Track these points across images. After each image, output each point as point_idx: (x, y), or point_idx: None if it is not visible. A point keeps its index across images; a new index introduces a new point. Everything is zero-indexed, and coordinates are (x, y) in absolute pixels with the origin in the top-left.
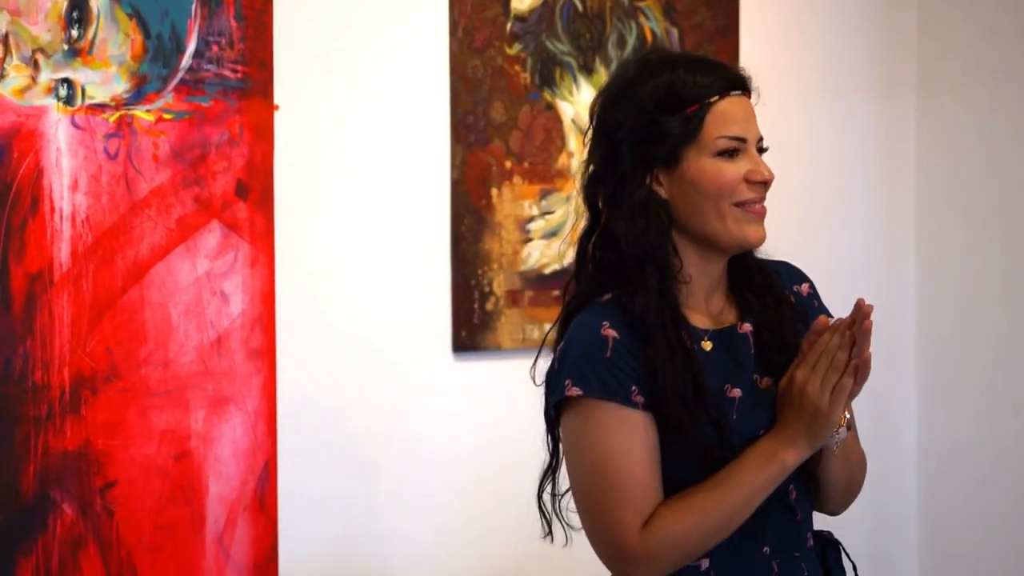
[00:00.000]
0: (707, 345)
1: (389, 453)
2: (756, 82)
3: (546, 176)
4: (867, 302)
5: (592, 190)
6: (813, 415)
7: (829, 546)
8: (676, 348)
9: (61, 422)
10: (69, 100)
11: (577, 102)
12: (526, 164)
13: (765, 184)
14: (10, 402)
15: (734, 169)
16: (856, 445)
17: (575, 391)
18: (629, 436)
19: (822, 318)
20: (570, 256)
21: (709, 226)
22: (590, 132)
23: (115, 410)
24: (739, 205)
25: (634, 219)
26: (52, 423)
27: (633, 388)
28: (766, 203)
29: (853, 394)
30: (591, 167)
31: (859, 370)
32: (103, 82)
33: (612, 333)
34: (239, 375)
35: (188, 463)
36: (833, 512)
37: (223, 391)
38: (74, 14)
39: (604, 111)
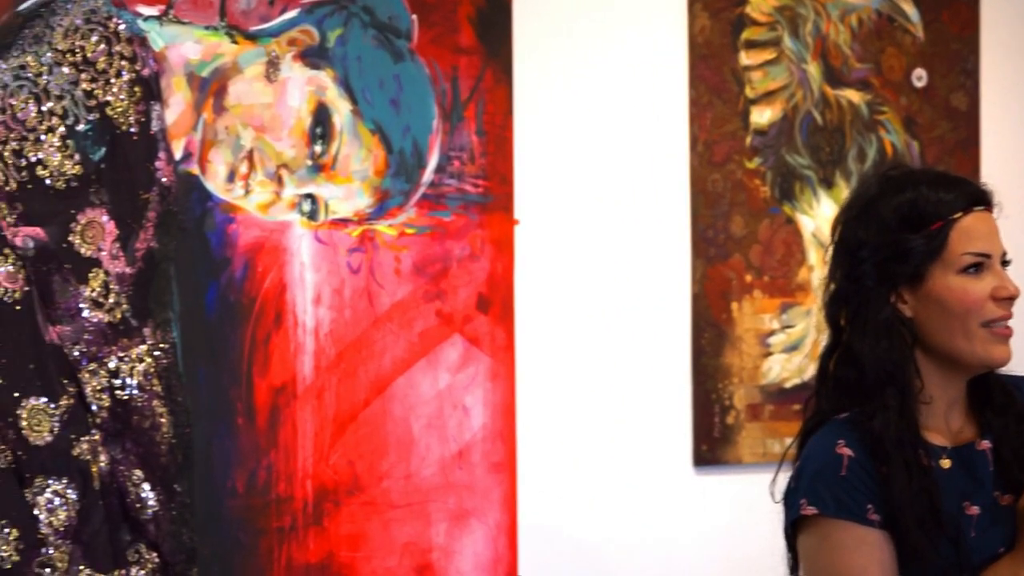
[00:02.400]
0: (945, 463)
1: (630, 566)
2: (998, 195)
3: (786, 290)
4: None
5: (834, 308)
6: None
7: None
8: (913, 468)
9: (304, 534)
10: (313, 215)
11: (817, 216)
12: (766, 278)
13: (1011, 299)
14: (254, 514)
15: (980, 286)
16: None
17: (811, 510)
18: (866, 555)
19: None
20: (811, 370)
21: (955, 345)
22: (831, 249)
23: (357, 523)
24: (987, 325)
25: (878, 338)
26: (295, 535)
27: (869, 507)
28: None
29: None
30: (832, 285)
31: None
32: (346, 197)
33: (847, 452)
34: (480, 488)
35: None
36: None
37: (464, 504)
38: (318, 130)
39: (846, 229)
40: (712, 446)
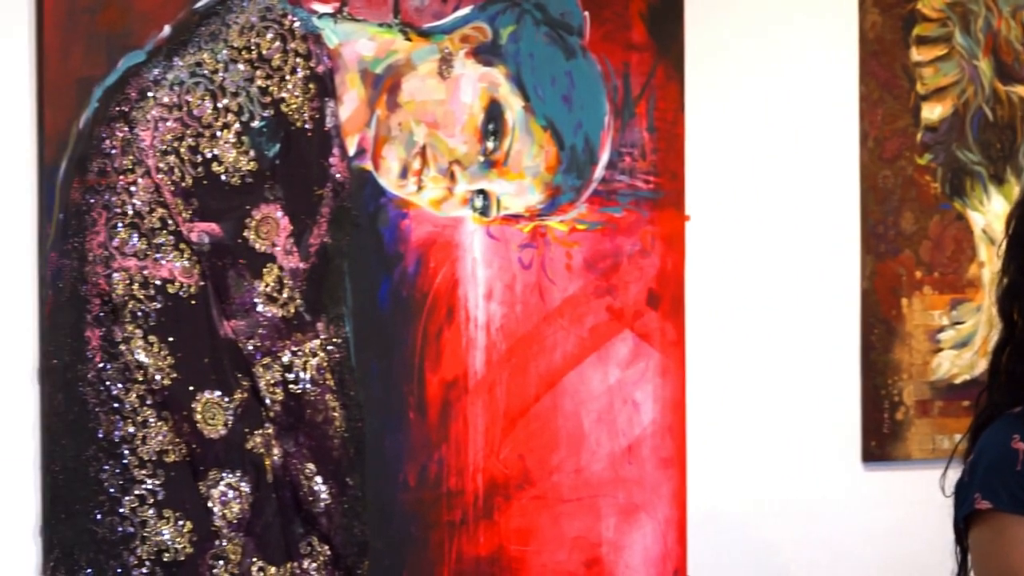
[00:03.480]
0: None
1: (799, 561)
2: None
3: (956, 286)
4: None
5: (1007, 302)
6: None
7: None
8: None
9: (475, 527)
10: (485, 211)
11: (988, 212)
12: (936, 274)
13: None
14: (425, 507)
15: None
16: None
17: (984, 504)
18: None
19: None
20: (981, 366)
21: None
22: (1004, 243)
23: (528, 517)
24: None
25: None
26: (466, 528)
27: None
28: None
29: None
30: (1006, 279)
31: None
32: (518, 193)
33: (1023, 447)
34: (649, 483)
35: (599, 570)
36: None
37: (634, 499)
38: (490, 126)
39: (1020, 223)
40: (881, 442)
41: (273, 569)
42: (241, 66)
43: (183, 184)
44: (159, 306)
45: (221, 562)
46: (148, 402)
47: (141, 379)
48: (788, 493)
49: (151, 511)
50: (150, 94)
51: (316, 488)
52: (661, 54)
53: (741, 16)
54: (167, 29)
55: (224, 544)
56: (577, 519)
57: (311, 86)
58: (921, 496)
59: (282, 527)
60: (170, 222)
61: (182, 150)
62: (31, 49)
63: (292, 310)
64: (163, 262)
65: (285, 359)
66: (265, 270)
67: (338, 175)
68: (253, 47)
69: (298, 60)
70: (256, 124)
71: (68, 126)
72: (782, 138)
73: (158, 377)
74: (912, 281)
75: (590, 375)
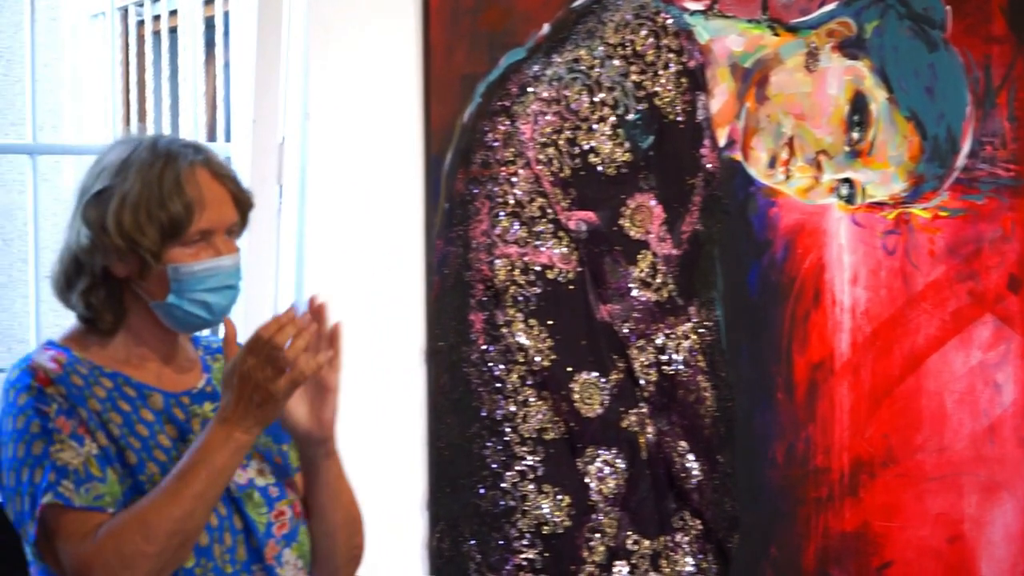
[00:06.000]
0: None
1: None
2: None
3: None
4: None
5: None
6: None
7: None
8: None
9: (840, 504)
10: (850, 199)
11: None
12: None
13: None
14: (793, 484)
15: None
16: None
17: None
18: None
19: None
20: None
21: None
22: None
23: (892, 494)
24: None
25: None
26: (832, 505)
27: None
28: None
29: None
30: None
31: None
32: (882, 182)
33: None
34: (1010, 462)
35: (961, 546)
36: None
37: (995, 477)
38: (855, 118)
39: None
40: None
41: (647, 542)
42: (616, 62)
43: (561, 175)
44: (539, 291)
45: (597, 535)
46: (528, 382)
47: (522, 360)
48: None
49: (531, 486)
50: (530, 89)
51: (688, 465)
52: (1022, 46)
53: None
54: (546, 27)
55: (600, 518)
56: (940, 496)
57: (683, 80)
58: None
59: (655, 502)
60: (549, 211)
61: (560, 142)
62: (418, 48)
63: (665, 295)
64: (543, 249)
65: (659, 341)
66: (639, 256)
67: (709, 165)
68: (628, 43)
69: (671, 56)
70: (631, 117)
71: (453, 120)
72: None
73: (538, 359)
74: None
75: (952, 357)
